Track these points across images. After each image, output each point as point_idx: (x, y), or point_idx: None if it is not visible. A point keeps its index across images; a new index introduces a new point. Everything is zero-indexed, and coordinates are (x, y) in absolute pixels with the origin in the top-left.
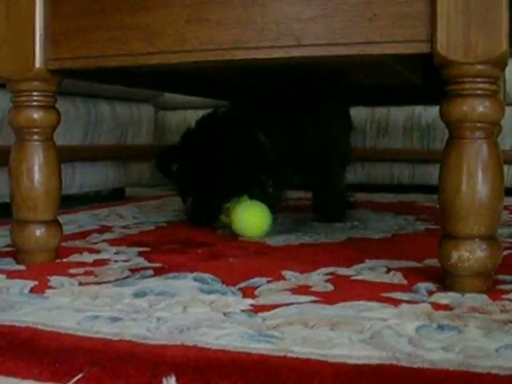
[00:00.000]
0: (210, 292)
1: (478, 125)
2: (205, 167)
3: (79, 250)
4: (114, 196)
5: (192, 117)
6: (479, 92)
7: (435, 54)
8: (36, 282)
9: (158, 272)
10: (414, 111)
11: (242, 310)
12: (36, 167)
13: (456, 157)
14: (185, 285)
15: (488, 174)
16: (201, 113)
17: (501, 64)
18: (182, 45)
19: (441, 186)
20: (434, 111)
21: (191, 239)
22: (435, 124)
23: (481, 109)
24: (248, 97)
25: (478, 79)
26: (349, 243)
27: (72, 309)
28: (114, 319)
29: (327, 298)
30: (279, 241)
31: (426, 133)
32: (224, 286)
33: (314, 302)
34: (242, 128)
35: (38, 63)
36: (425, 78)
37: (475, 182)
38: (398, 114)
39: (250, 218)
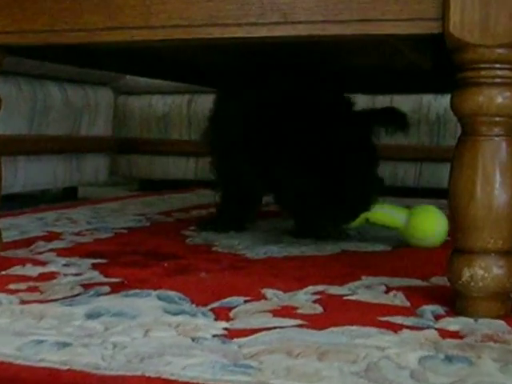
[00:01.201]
0: (176, 313)
1: (497, 119)
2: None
3: (21, 261)
4: (65, 197)
5: (159, 103)
6: (498, 80)
7: (447, 34)
8: None
9: (115, 289)
10: (422, 101)
11: (215, 335)
12: None
13: (469, 157)
14: (147, 304)
15: (508, 178)
16: (170, 99)
17: None
18: (148, 19)
19: (451, 191)
20: (445, 101)
21: (156, 250)
22: (447, 116)
23: (500, 100)
24: (228, 81)
25: (497, 65)
26: (342, 256)
27: (11, 332)
28: (62, 345)
29: (315, 322)
30: (259, 253)
31: (435, 126)
32: (193, 306)
33: (299, 326)
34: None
35: None
36: (435, 61)
37: (492, 187)
38: (403, 104)
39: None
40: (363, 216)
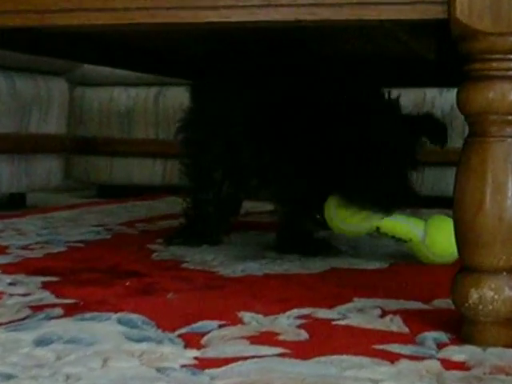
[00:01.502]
0: (139, 340)
1: (509, 118)
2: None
3: None
4: (11, 204)
5: (121, 97)
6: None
7: (453, 20)
8: None
9: (69, 311)
10: (426, 95)
11: (183, 366)
12: None
13: (478, 161)
14: (106, 329)
15: None
16: (134, 92)
17: None
18: (108, 1)
19: (456, 201)
20: (452, 96)
21: (117, 266)
22: (454, 113)
23: None
24: (208, 73)
25: (511, 56)
26: (331, 275)
27: None
28: (6, 377)
29: (300, 351)
30: (236, 270)
31: None
32: (159, 331)
33: (281, 355)
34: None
35: None
36: (440, 51)
37: (504, 196)
38: (405, 99)
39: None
40: (374, 224)
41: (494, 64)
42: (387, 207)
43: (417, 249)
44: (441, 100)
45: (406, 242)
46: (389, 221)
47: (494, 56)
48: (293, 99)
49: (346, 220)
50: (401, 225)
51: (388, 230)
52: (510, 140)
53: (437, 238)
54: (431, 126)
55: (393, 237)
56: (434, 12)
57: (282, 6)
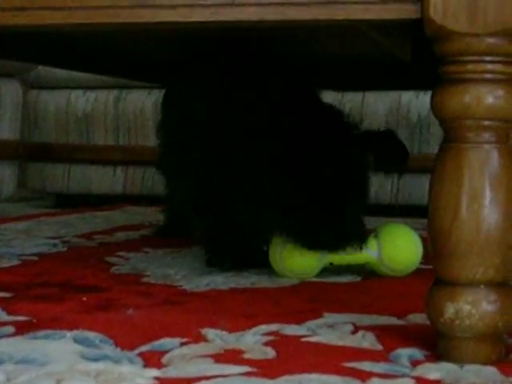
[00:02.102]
0: (96, 359)
1: (486, 123)
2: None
3: None
4: None
5: (79, 100)
6: (488, 76)
7: (427, 20)
8: None
9: (21, 329)
10: (401, 99)
11: None
12: None
13: (453, 168)
14: (61, 348)
15: (499, 194)
16: (93, 95)
17: None
18: None
19: (431, 210)
20: (429, 99)
21: (73, 281)
22: (431, 118)
23: (490, 100)
24: (169, 76)
25: (488, 58)
26: (301, 289)
27: None
28: None
29: (267, 369)
30: (200, 285)
31: (417, 130)
32: (118, 349)
33: (246, 374)
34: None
35: None
36: (417, 51)
37: (480, 205)
38: (378, 103)
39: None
40: (325, 260)
41: (470, 66)
42: (337, 246)
43: (376, 268)
44: (417, 104)
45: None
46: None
47: (469, 58)
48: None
49: (295, 263)
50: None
51: (342, 262)
52: (486, 146)
53: (392, 253)
54: (388, 146)
55: (349, 265)
56: (407, 12)
57: (245, 5)
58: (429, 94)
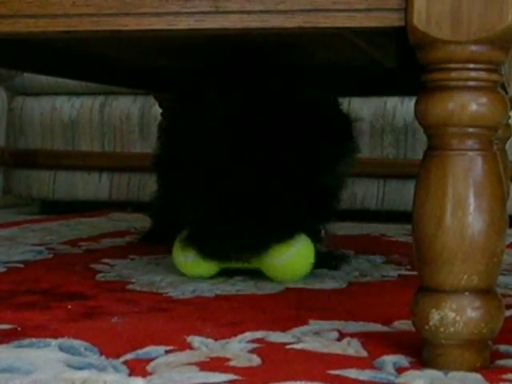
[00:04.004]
0: (81, 367)
1: (470, 130)
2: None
3: None
4: None
5: (65, 106)
6: (472, 83)
7: (410, 28)
8: None
9: (5, 337)
10: (386, 105)
11: None
12: None
13: (437, 175)
14: (45, 356)
15: (483, 201)
16: (79, 101)
17: (504, 44)
18: (47, 6)
19: (415, 217)
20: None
21: (58, 288)
22: (417, 124)
23: (474, 107)
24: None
25: (471, 65)
26: (286, 296)
27: None
28: None
29: (252, 377)
30: (186, 292)
31: (402, 136)
32: (103, 358)
33: (232, 382)
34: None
35: None
36: (401, 57)
37: (465, 212)
38: (364, 108)
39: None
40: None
41: (454, 74)
42: (229, 258)
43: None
44: (402, 109)
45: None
46: None
47: (453, 65)
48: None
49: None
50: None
51: (237, 266)
52: (470, 153)
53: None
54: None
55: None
56: (391, 20)
57: (230, 12)
58: (414, 99)
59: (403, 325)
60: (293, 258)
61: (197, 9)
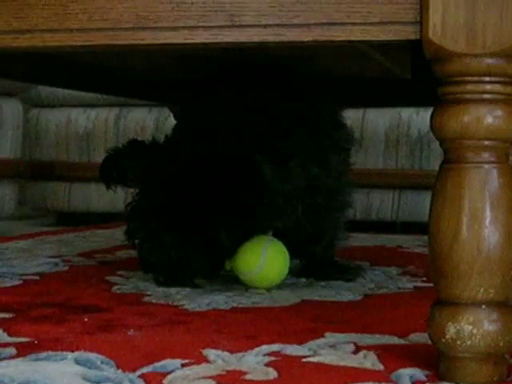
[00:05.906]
0: (98, 381)
1: (486, 143)
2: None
3: None
4: None
5: (80, 117)
6: (487, 96)
7: (425, 41)
8: None
9: (22, 351)
10: (401, 115)
11: None
12: None
13: (453, 188)
14: (62, 370)
15: (500, 214)
16: (94, 113)
17: None
18: (63, 21)
19: (431, 230)
20: (429, 116)
21: (74, 301)
22: (431, 135)
23: (489, 120)
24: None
25: (487, 78)
26: (302, 308)
27: None
28: None
29: None
30: (202, 304)
31: (417, 147)
32: (119, 371)
33: None
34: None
35: None
36: (416, 69)
37: (481, 225)
38: (378, 120)
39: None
40: None
41: (469, 87)
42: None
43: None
44: (417, 120)
45: None
46: None
47: (468, 78)
48: None
49: None
50: None
51: None
52: (486, 166)
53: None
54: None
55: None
56: (406, 33)
57: (246, 26)
58: (429, 110)
59: (419, 337)
60: (265, 266)
61: (213, 23)
